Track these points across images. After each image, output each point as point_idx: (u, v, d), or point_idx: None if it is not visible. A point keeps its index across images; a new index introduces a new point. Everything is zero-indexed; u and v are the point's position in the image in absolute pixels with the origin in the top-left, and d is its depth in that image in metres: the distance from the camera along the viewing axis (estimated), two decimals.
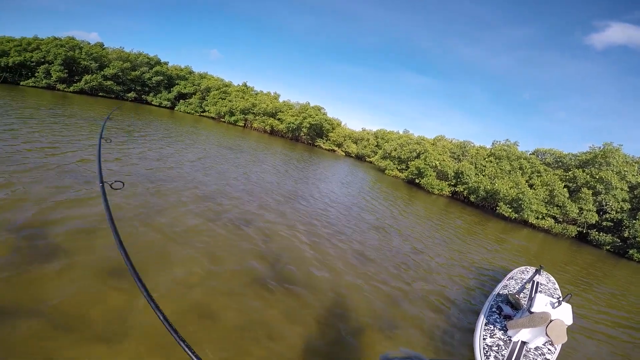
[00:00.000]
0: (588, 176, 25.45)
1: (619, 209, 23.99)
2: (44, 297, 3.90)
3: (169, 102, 51.10)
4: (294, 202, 11.59)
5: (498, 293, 6.53)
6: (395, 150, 37.70)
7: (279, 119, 49.65)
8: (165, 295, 4.41)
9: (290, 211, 10.20)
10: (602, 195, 24.50)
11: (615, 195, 24.04)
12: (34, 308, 3.71)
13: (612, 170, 24.82)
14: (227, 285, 5.17)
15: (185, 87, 52.97)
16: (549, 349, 4.66)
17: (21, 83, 38.35)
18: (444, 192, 29.82)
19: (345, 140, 50.06)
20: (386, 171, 36.45)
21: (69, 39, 43.31)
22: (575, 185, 26.15)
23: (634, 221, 21.97)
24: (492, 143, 35.43)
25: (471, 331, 5.45)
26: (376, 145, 48.21)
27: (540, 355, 4.56)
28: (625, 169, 24.90)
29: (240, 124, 50.73)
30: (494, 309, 5.72)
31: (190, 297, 4.58)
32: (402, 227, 12.32)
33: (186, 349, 1.29)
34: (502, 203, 25.20)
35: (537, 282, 7.10)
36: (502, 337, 4.85)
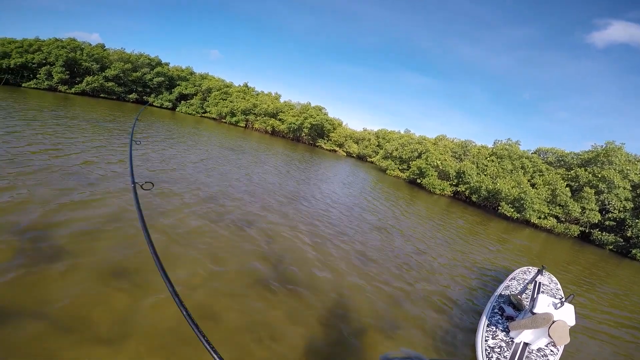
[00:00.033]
0: (590, 175, 25.35)
1: (621, 208, 23.89)
2: (47, 298, 3.94)
3: (170, 103, 51.20)
4: (296, 203, 11.61)
5: (500, 294, 6.53)
6: (396, 150, 37.66)
7: (280, 120, 49.68)
8: (169, 297, 4.43)
9: (292, 212, 10.23)
10: (604, 194, 24.41)
11: (617, 194, 23.94)
12: (38, 309, 3.74)
13: (614, 169, 24.71)
14: (230, 286, 5.19)
15: (186, 88, 53.05)
16: (551, 350, 4.67)
17: (23, 85, 38.48)
18: (445, 192, 29.77)
19: (346, 140, 50.04)
20: (387, 171, 36.42)
21: (70, 40, 43.44)
22: (577, 184, 26.07)
23: (637, 220, 21.89)
24: (494, 142, 35.34)
25: (473, 332, 5.46)
26: (377, 145, 48.19)
27: (542, 356, 4.57)
28: (628, 167, 24.77)
29: (242, 125, 50.79)
30: (496, 310, 5.72)
31: (193, 298, 4.60)
32: (404, 228, 12.32)
33: (207, 346, 1.31)
34: (504, 203, 25.14)
35: (540, 283, 7.09)
36: (504, 338, 4.85)
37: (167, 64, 54.62)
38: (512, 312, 5.58)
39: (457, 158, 34.42)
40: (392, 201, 18.47)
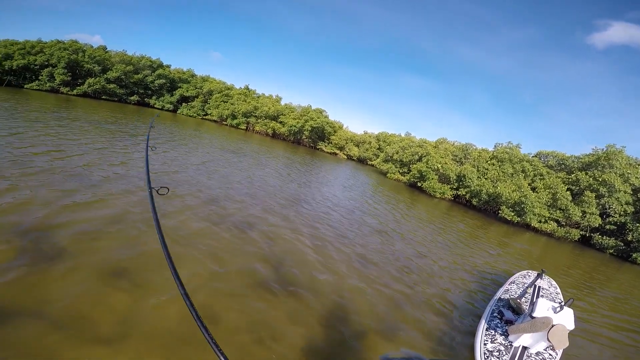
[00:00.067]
0: (591, 179, 25.37)
1: (622, 212, 23.90)
2: (48, 298, 3.97)
3: (171, 105, 51.41)
4: (297, 205, 11.65)
5: (499, 297, 6.54)
6: (397, 153, 37.72)
7: (281, 122, 49.78)
8: (171, 298, 4.47)
9: (293, 215, 10.26)
10: (605, 198, 24.42)
11: (618, 198, 23.95)
12: (38, 309, 3.77)
13: (615, 173, 24.73)
14: (231, 287, 5.22)
15: (187, 90, 53.25)
16: (550, 354, 4.68)
17: (25, 86, 38.65)
18: (446, 195, 29.80)
19: (347, 143, 50.12)
20: (388, 174, 36.45)
21: (72, 42, 43.67)
22: (578, 188, 26.09)
23: (638, 224, 21.89)
24: (495, 145, 35.43)
25: (472, 335, 5.47)
26: (378, 149, 48.25)
27: None
28: (629, 171, 24.80)
29: (242, 127, 50.89)
30: (495, 314, 5.73)
31: (194, 299, 4.59)
32: (404, 231, 12.34)
33: (215, 348, 1.34)
34: (504, 206, 25.16)
35: (539, 287, 7.11)
36: (503, 342, 4.87)
37: (168, 66, 54.89)
38: (511, 316, 5.60)
39: (457, 161, 34.47)
40: (393, 204, 18.50)
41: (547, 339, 4.32)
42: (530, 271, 8.64)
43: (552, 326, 4.33)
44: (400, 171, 36.32)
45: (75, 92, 41.29)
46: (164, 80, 50.56)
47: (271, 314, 4.80)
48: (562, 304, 4.72)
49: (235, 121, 50.52)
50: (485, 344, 4.82)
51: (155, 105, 50.02)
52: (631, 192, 24.44)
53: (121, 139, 15.92)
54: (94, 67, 42.88)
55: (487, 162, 32.24)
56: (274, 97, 57.52)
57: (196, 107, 52.73)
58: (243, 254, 6.52)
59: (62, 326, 3.61)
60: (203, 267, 5.59)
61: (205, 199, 9.47)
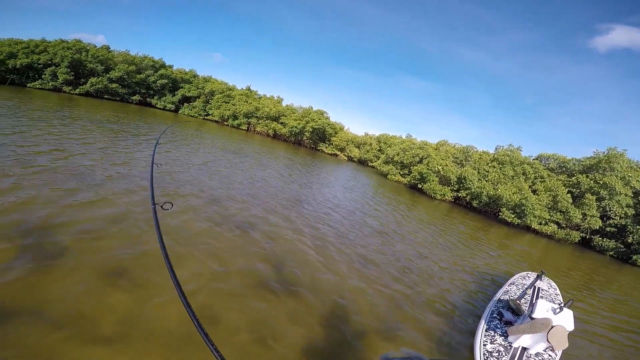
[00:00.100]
0: (592, 182, 25.38)
1: (622, 215, 23.89)
2: (48, 298, 3.98)
3: (173, 105, 51.56)
4: (298, 206, 11.68)
5: (499, 298, 6.56)
6: (397, 155, 37.76)
7: (282, 123, 49.87)
8: (171, 298, 4.50)
9: (294, 215, 10.30)
10: (605, 200, 24.42)
11: (619, 200, 23.95)
12: (39, 309, 3.78)
13: (616, 176, 24.75)
14: (232, 287, 5.25)
15: (189, 91, 53.41)
16: (549, 355, 4.70)
17: (28, 85, 38.84)
18: (446, 197, 29.81)
19: (347, 144, 50.17)
20: (388, 176, 36.48)
21: (76, 41, 43.88)
22: (578, 190, 26.08)
23: (638, 227, 21.87)
24: (495, 148, 35.48)
25: (472, 335, 5.49)
26: (379, 150, 48.32)
27: None
28: (630, 174, 24.81)
29: (244, 128, 50.99)
30: (494, 315, 5.76)
31: (195, 299, 4.66)
32: (405, 232, 12.37)
33: (211, 348, 1.37)
34: (504, 208, 25.16)
35: (539, 288, 7.13)
36: (503, 343, 4.89)
37: (170, 67, 55.06)
38: (510, 317, 5.62)
39: (458, 163, 34.47)
40: (393, 206, 18.52)
41: (547, 340, 4.34)
42: (529, 272, 8.66)
43: (552, 327, 4.36)
44: (401, 173, 36.35)
45: (77, 91, 41.47)
46: (166, 81, 50.74)
47: (272, 313, 4.83)
48: (562, 305, 4.74)
49: (236, 122, 50.62)
50: (484, 345, 4.84)
51: (157, 105, 50.19)
52: (632, 195, 24.43)
53: (124, 139, 15.99)
54: (96, 66, 43.07)
55: (487, 164, 32.25)
56: (276, 98, 57.61)
57: (198, 107, 52.87)
58: (244, 254, 6.55)
59: (63, 326, 3.62)
60: (204, 267, 5.62)
61: (207, 199, 9.51)
